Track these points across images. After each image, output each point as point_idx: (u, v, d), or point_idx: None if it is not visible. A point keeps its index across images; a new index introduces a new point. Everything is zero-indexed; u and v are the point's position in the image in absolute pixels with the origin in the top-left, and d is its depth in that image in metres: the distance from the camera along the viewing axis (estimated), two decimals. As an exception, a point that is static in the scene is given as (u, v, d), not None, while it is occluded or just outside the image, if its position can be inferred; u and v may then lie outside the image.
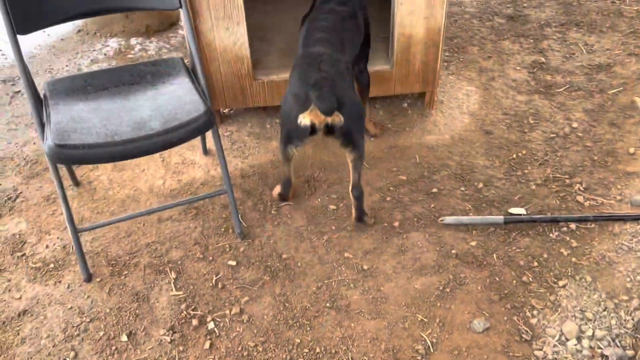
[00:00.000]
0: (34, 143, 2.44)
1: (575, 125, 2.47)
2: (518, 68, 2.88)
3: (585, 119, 2.50)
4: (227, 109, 2.58)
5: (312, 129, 1.70)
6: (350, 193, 1.93)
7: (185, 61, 1.98)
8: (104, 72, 1.92)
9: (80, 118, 1.67)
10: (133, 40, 3.19)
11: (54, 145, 1.56)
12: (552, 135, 2.42)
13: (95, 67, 2.95)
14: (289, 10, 2.92)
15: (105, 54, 3.07)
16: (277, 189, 2.10)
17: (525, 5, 3.48)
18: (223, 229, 2.00)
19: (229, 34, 2.22)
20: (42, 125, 1.69)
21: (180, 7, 1.85)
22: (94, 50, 3.11)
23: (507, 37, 3.16)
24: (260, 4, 3.00)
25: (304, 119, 1.68)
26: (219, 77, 2.33)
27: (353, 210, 1.97)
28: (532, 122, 2.51)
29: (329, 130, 1.71)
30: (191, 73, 1.90)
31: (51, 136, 1.58)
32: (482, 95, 2.69)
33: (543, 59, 2.94)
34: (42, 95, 1.79)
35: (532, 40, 3.11)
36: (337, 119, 1.68)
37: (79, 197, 2.15)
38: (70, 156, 1.60)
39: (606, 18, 3.28)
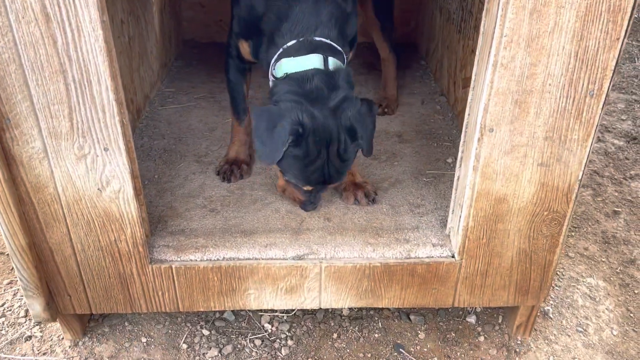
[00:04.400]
0: None
1: None
2: (675, 242, 1.57)
3: None
4: (95, 312, 1.26)
5: None
6: None
7: None
8: None
9: None
10: None
11: None
12: None
13: None
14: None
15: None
16: None
17: (650, 117, 2.21)
18: None
19: (88, 170, 0.96)
20: None
21: None
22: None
23: (636, 173, 1.86)
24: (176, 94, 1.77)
25: None
26: (70, 253, 1.05)
27: None
28: None
29: None
30: None
31: None
32: (620, 299, 1.36)
33: None
34: None
35: (680, 184, 1.81)
36: None
37: None
38: None
39: None
